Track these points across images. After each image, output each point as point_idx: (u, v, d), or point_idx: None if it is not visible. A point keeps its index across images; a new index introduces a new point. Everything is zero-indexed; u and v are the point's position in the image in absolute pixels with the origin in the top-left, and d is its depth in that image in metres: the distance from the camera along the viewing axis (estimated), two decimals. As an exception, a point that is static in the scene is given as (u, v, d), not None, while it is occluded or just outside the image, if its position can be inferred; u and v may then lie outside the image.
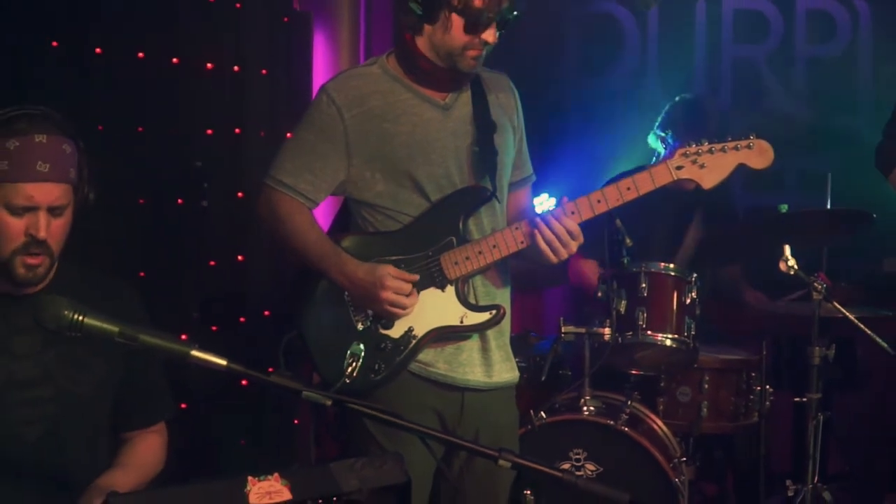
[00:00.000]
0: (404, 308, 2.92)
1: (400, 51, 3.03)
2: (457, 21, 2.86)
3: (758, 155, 3.00)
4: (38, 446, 2.46)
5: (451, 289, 3.00)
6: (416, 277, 2.94)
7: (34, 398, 2.47)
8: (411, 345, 2.98)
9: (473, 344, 3.05)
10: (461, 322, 3.00)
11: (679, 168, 2.99)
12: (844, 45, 5.95)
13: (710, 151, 3.00)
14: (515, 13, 2.89)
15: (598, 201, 2.96)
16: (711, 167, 3.00)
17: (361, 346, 2.90)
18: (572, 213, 2.94)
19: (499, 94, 3.12)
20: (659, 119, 4.73)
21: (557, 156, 5.32)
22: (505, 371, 3.12)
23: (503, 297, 3.12)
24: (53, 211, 2.41)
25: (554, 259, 2.96)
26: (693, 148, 3.00)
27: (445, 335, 3.01)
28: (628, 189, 2.98)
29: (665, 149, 4.69)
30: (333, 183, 3.03)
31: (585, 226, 3.00)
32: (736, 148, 3.01)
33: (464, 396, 3.03)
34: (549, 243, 2.93)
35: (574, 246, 2.95)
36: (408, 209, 3.01)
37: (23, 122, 2.38)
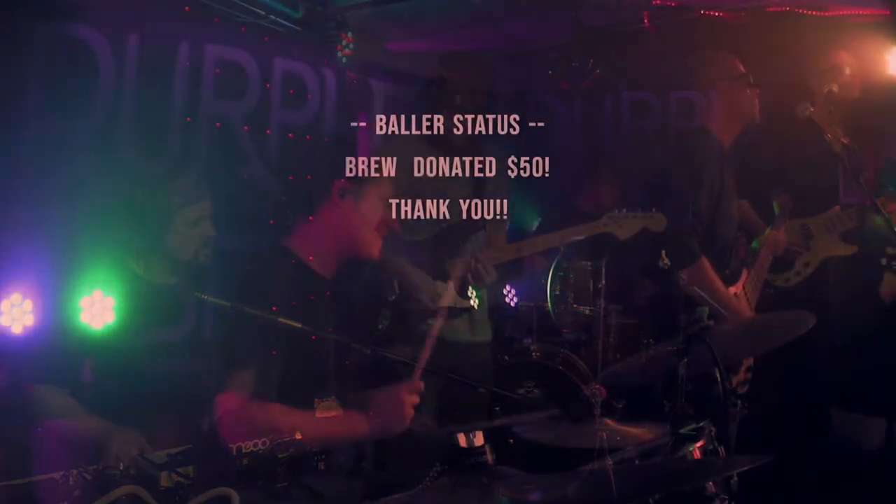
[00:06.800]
0: None
1: None
2: None
3: (656, 222, 3.09)
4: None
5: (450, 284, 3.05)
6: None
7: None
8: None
9: (464, 316, 3.14)
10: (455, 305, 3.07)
11: (606, 225, 3.10)
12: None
13: (626, 217, 3.10)
14: None
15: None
16: (626, 227, 3.11)
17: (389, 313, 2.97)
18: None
19: None
20: None
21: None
22: (483, 333, 3.22)
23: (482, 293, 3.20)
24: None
25: None
26: (616, 214, 3.10)
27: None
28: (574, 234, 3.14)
29: None
30: None
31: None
32: (643, 217, 3.10)
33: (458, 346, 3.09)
34: None
35: None
36: None
37: None
